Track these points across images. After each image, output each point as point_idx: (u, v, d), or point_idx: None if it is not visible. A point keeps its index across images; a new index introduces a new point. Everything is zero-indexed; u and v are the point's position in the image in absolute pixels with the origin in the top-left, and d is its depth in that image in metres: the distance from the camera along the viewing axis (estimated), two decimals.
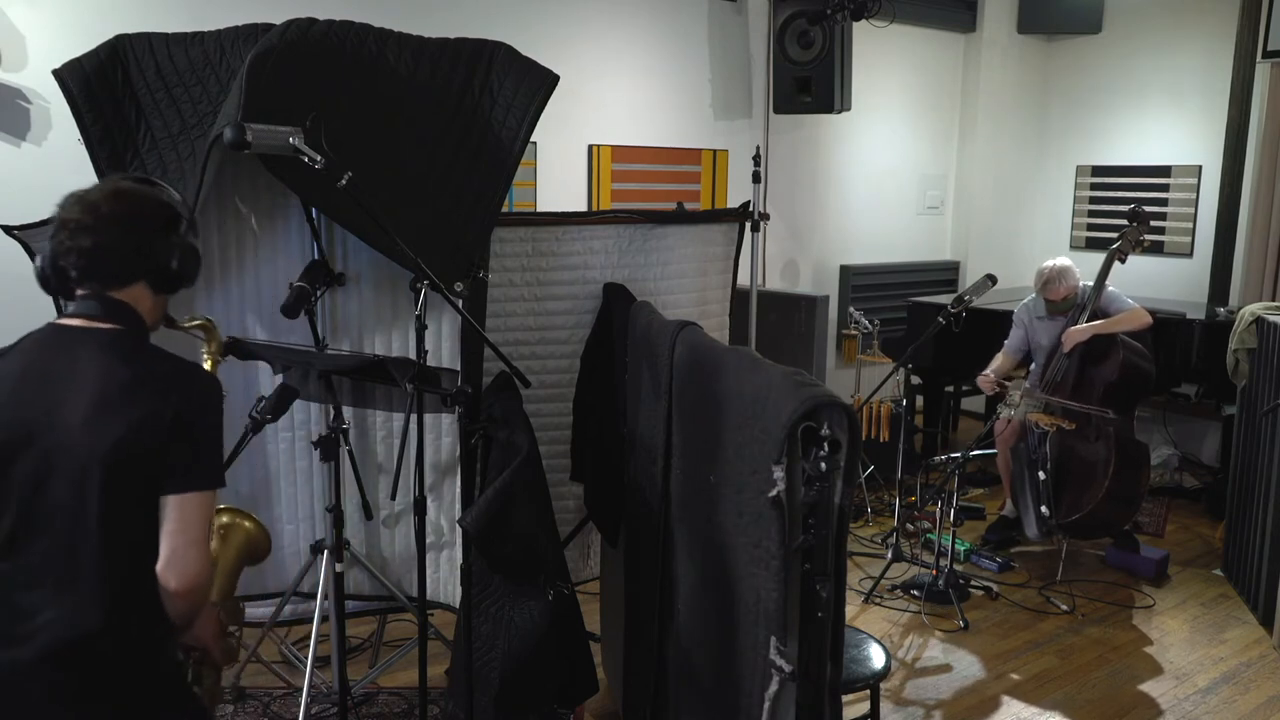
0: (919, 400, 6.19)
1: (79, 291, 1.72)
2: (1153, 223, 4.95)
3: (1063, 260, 4.52)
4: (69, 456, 1.60)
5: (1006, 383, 4.62)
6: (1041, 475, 4.25)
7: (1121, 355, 4.31)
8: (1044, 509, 4.27)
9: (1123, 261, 4.51)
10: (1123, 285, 4.61)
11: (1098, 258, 4.65)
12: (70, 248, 1.68)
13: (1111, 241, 4.61)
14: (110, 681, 1.64)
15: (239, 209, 2.94)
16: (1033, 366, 4.74)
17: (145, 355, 1.71)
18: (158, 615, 1.66)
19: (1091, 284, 4.49)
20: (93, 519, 1.60)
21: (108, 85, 2.61)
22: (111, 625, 1.62)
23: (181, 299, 2.03)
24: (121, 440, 1.60)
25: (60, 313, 1.98)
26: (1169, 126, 6.35)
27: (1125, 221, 4.62)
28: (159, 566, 1.63)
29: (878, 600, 4.23)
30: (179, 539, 1.63)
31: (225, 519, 2.23)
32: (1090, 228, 6.73)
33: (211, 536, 1.92)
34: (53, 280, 1.74)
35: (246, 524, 2.27)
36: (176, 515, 1.63)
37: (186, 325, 2.06)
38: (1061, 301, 4.50)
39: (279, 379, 2.75)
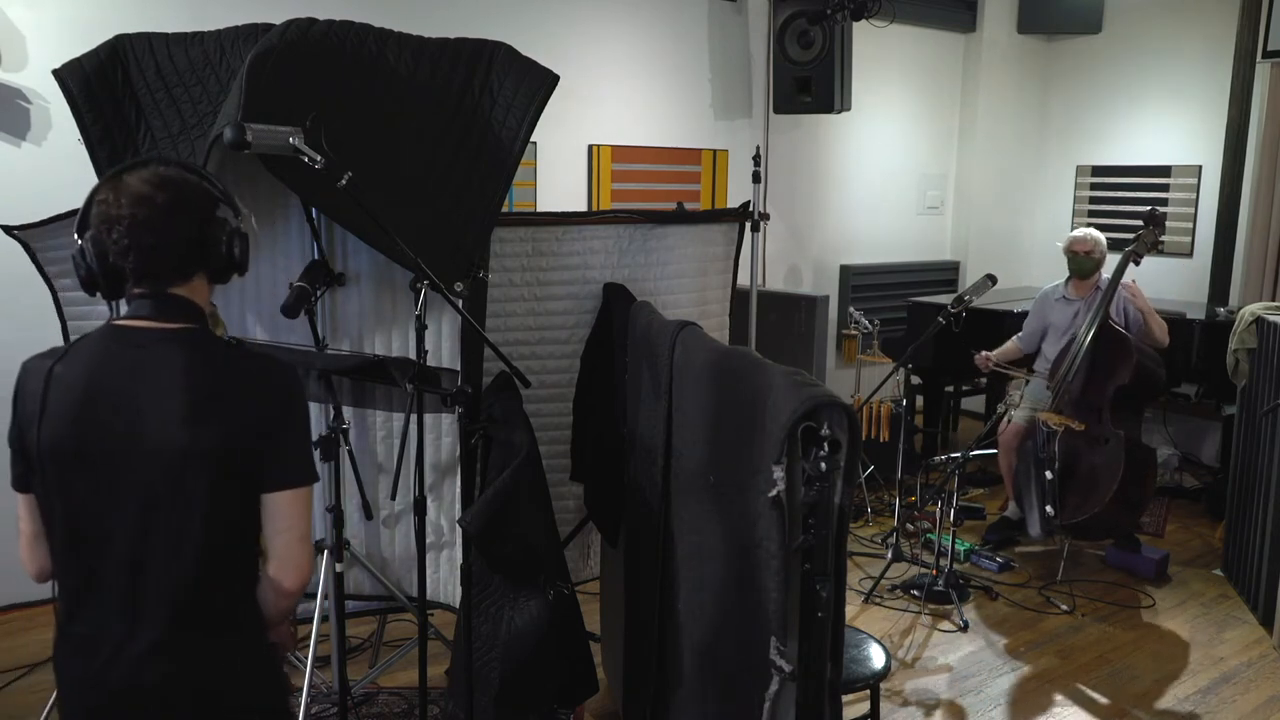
0: (919, 400, 6.19)
1: (136, 290, 1.62)
2: None
3: (1097, 231, 4.71)
4: (163, 464, 1.55)
5: (1000, 368, 4.66)
6: (1048, 475, 4.25)
7: (1136, 358, 4.32)
8: (1048, 509, 4.27)
9: (1137, 264, 4.53)
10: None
11: None
12: (127, 245, 1.56)
13: (1116, 242, 4.64)
14: (222, 687, 1.64)
15: (239, 210, 2.94)
16: (1039, 363, 4.75)
17: (224, 353, 1.64)
18: (253, 620, 1.67)
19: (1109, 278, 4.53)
20: (197, 527, 1.56)
21: (108, 85, 2.60)
22: (222, 633, 1.63)
23: None
24: (220, 443, 1.56)
25: (112, 312, 1.88)
26: (1169, 126, 6.35)
27: (1135, 222, 4.67)
28: (272, 568, 1.62)
29: (878, 600, 4.23)
30: (289, 535, 1.62)
31: None
32: (1090, 228, 6.72)
33: None
34: (103, 282, 1.61)
35: None
36: (283, 513, 1.61)
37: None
38: (1084, 257, 4.60)
39: None
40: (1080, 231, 4.69)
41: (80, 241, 1.61)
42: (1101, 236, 4.65)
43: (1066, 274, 4.73)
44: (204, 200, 1.65)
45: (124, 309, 1.64)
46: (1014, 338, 4.87)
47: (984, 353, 4.69)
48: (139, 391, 1.56)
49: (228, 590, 1.63)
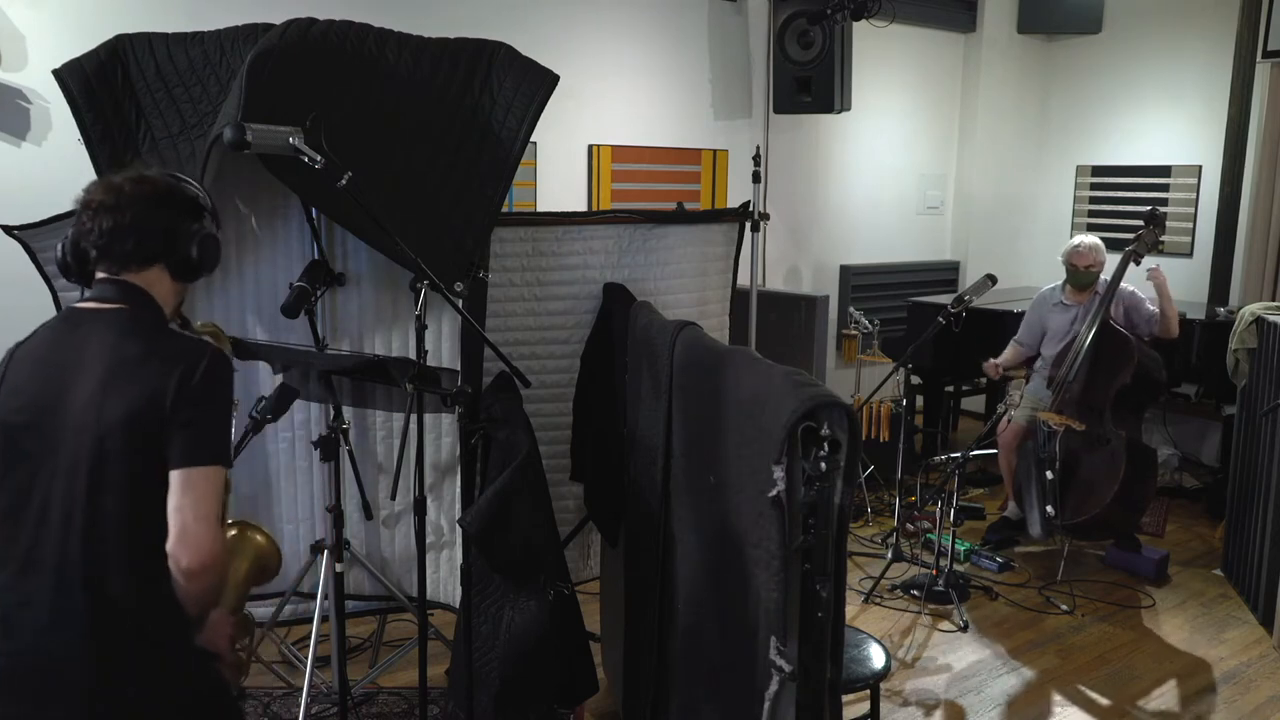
0: (919, 400, 6.19)
1: (97, 275, 1.73)
2: None
3: (1097, 239, 4.65)
4: (81, 436, 1.61)
5: (1012, 372, 4.66)
6: (1049, 475, 4.25)
7: (1136, 359, 4.32)
8: (1049, 509, 4.27)
9: (1137, 264, 4.53)
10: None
11: None
12: (90, 228, 1.70)
13: (1116, 242, 4.63)
14: (145, 662, 1.65)
15: (239, 209, 2.94)
16: (1038, 364, 4.75)
17: (153, 332, 1.71)
18: (175, 603, 1.66)
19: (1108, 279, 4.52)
20: (115, 495, 1.61)
21: (108, 85, 2.61)
22: (140, 603, 1.63)
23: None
24: (129, 415, 1.60)
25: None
26: (1169, 126, 6.35)
27: (1135, 222, 4.66)
28: (169, 544, 1.61)
29: (878, 600, 4.23)
30: (187, 514, 1.61)
31: (234, 531, 2.22)
32: (1090, 228, 6.71)
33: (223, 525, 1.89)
34: (73, 264, 1.74)
35: (258, 537, 2.25)
36: (183, 489, 1.62)
37: (197, 329, 2.05)
38: (1084, 271, 4.55)
39: (279, 379, 2.75)
40: (1080, 243, 4.59)
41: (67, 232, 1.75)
42: (1100, 244, 4.61)
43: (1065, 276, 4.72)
44: (174, 196, 1.77)
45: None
46: (1013, 342, 4.85)
47: (992, 360, 4.66)
48: (69, 366, 1.66)
49: (144, 571, 1.63)
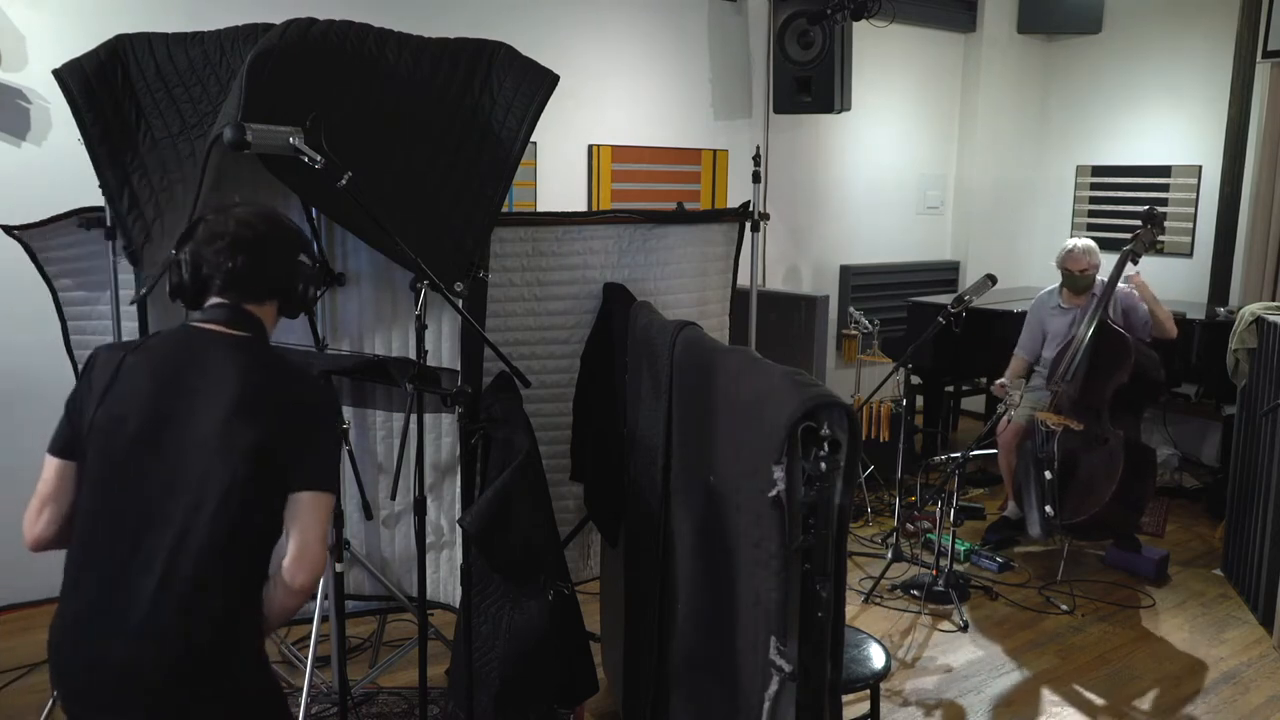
0: (919, 400, 6.19)
1: (213, 300, 1.80)
2: None
3: (1090, 240, 4.64)
4: (208, 452, 1.66)
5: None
6: (1048, 475, 4.25)
7: (1134, 358, 4.32)
8: (1048, 508, 4.27)
9: (1135, 263, 4.53)
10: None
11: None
12: (222, 262, 1.77)
13: (1115, 242, 4.63)
14: (227, 673, 1.69)
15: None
16: (1039, 364, 4.75)
17: (278, 362, 1.82)
18: (259, 613, 1.73)
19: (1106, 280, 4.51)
20: (229, 512, 1.65)
21: (108, 85, 2.60)
22: (227, 623, 1.68)
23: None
24: (258, 442, 1.66)
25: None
26: (1169, 126, 6.35)
27: (1135, 222, 4.65)
28: (288, 562, 1.69)
29: (878, 600, 4.23)
30: (310, 534, 1.69)
31: None
32: (1090, 228, 6.72)
33: None
34: (190, 290, 1.81)
35: None
36: (309, 511, 1.70)
37: None
38: (1080, 275, 4.55)
39: None
40: (1073, 247, 4.57)
41: (179, 254, 1.81)
42: (1094, 246, 4.59)
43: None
44: (296, 240, 1.90)
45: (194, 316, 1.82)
46: (1016, 351, 4.84)
47: (999, 382, 4.60)
48: (198, 385, 1.71)
49: (238, 584, 1.70)
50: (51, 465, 1.76)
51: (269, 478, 1.68)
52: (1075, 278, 4.57)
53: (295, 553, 1.68)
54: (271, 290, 1.84)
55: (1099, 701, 3.48)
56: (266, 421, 1.68)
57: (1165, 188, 6.34)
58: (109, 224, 2.70)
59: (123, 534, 1.66)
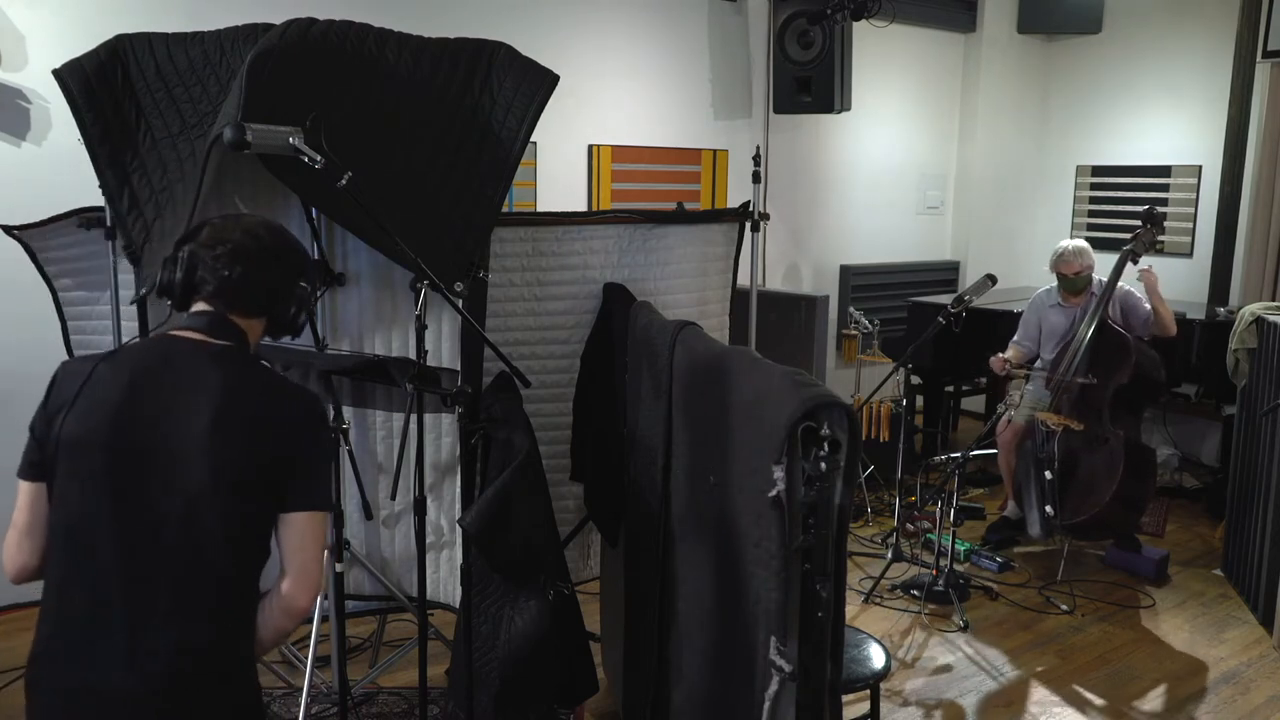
0: (919, 400, 6.19)
1: (199, 305, 1.71)
2: None
3: (1081, 241, 4.63)
4: (187, 469, 1.57)
5: (1015, 371, 4.65)
6: (1048, 475, 4.25)
7: (1135, 358, 4.32)
8: (1048, 508, 4.27)
9: (1135, 263, 4.52)
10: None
11: (1099, 258, 4.65)
12: (220, 267, 1.68)
13: (1115, 242, 4.63)
14: (214, 700, 1.63)
15: (239, 209, 2.94)
16: (1038, 364, 4.75)
17: (260, 375, 1.72)
18: (250, 634, 1.66)
19: (1105, 279, 4.51)
20: (214, 533, 1.58)
21: (108, 85, 2.60)
22: (221, 643, 1.62)
23: None
24: (246, 454, 1.60)
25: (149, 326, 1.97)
26: (1169, 126, 6.35)
27: (1135, 222, 4.64)
28: (287, 585, 1.63)
29: (878, 600, 4.23)
30: (308, 554, 1.63)
31: None
32: (1090, 228, 6.73)
33: None
34: (179, 290, 1.71)
35: None
36: (303, 532, 1.63)
37: None
38: (1074, 278, 4.54)
39: None
40: (1065, 251, 4.55)
41: (177, 253, 1.72)
42: (1086, 245, 4.58)
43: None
44: (299, 262, 1.80)
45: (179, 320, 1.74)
46: (1013, 343, 4.84)
47: (999, 355, 4.63)
48: (176, 399, 1.60)
49: (223, 608, 1.62)
50: (25, 492, 1.66)
51: (252, 500, 1.60)
52: (1069, 280, 4.57)
53: (294, 575, 1.63)
54: (262, 307, 1.74)
55: (1099, 701, 3.48)
56: (248, 442, 1.60)
57: (1165, 188, 6.34)
58: (109, 224, 2.70)
59: (98, 556, 1.57)
